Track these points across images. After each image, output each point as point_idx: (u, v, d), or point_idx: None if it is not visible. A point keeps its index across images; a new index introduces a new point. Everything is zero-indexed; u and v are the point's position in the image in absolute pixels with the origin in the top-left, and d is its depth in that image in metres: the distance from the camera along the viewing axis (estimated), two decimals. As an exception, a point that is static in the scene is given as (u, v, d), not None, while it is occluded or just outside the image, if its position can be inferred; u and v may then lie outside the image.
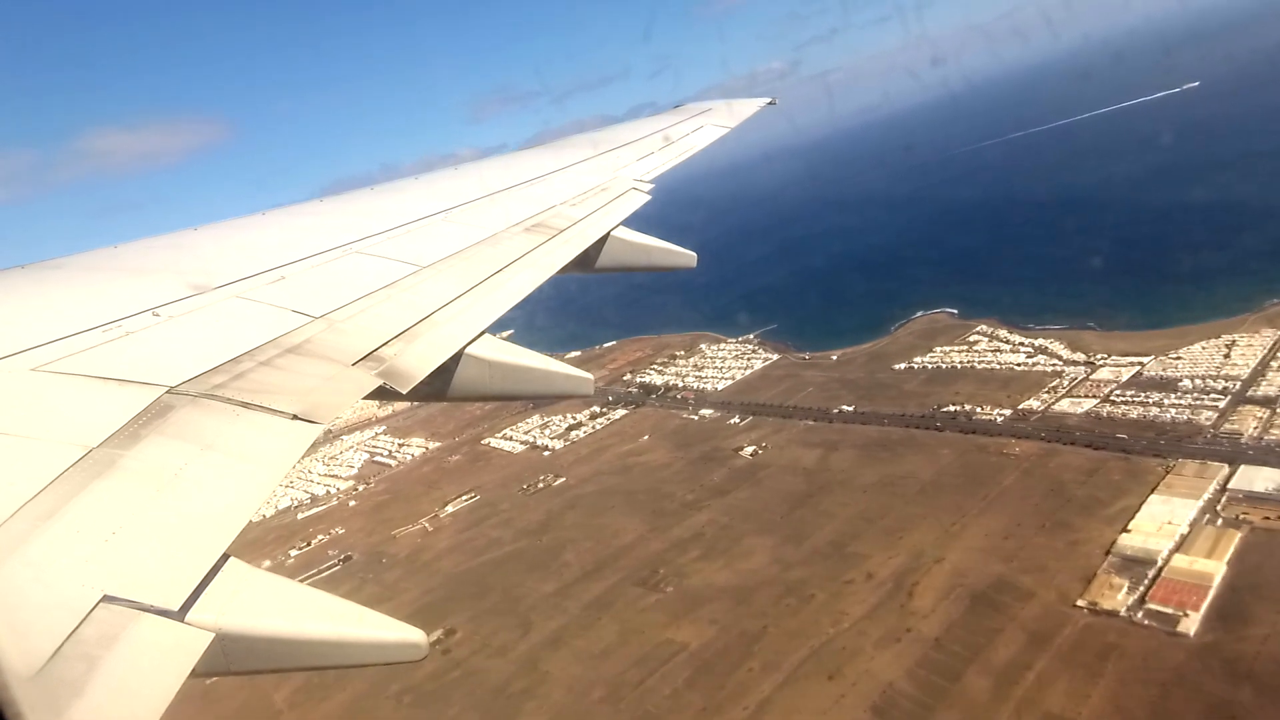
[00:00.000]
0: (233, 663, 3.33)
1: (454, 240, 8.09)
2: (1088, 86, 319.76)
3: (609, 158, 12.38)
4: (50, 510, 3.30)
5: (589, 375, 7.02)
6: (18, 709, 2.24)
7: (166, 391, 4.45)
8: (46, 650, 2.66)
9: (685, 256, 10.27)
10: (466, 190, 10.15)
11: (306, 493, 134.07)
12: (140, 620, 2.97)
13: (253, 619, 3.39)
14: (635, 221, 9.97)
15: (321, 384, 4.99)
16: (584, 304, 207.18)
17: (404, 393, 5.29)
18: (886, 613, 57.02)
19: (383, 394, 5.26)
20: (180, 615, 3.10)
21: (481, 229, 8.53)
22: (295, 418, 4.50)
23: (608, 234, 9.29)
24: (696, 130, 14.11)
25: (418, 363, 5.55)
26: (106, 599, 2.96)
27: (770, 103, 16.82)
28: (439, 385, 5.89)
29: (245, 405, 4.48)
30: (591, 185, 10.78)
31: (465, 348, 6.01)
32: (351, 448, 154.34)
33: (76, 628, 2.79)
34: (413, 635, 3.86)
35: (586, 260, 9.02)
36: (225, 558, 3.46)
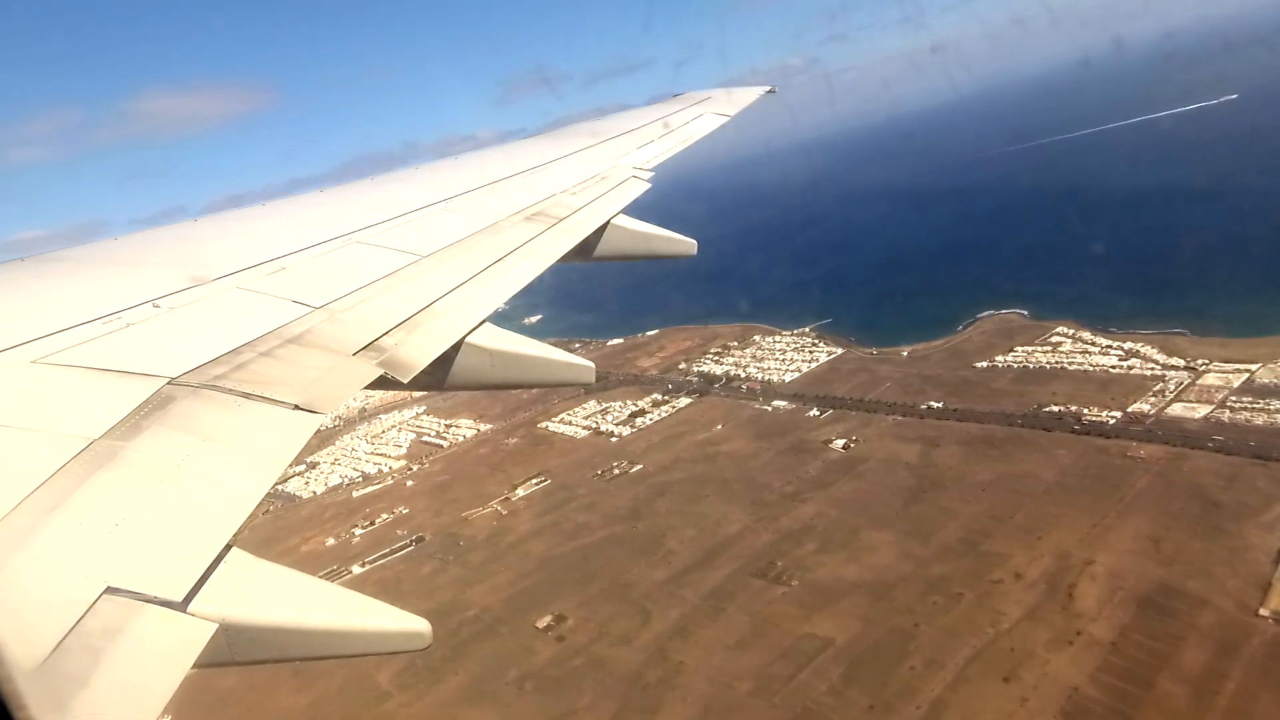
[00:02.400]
0: (237, 653, 3.29)
1: (454, 230, 8.06)
2: (1116, 94, 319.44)
3: (609, 146, 12.34)
4: (53, 503, 3.27)
5: (590, 364, 7.02)
6: (22, 701, 2.16)
7: (167, 383, 4.42)
8: (50, 642, 2.64)
9: (685, 244, 10.22)
10: (467, 179, 10.08)
11: (357, 470, 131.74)
12: (144, 612, 2.94)
13: (256, 609, 3.37)
14: (637, 210, 9.91)
15: (322, 374, 4.95)
16: (618, 288, 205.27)
17: (405, 382, 5.26)
18: (1049, 614, 55.47)
19: (384, 384, 5.25)
20: (184, 606, 3.06)
21: (482, 218, 8.53)
22: (296, 408, 4.46)
23: (608, 222, 9.24)
24: (697, 118, 14.02)
25: (418, 352, 5.54)
26: (110, 591, 2.93)
27: (769, 91, 16.87)
28: (440, 374, 5.89)
29: (246, 396, 4.47)
30: (591, 174, 10.73)
31: (466, 337, 5.99)
32: (395, 427, 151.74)
33: (80, 620, 2.77)
34: (417, 624, 3.82)
35: (586, 248, 8.99)
36: (228, 548, 3.42)
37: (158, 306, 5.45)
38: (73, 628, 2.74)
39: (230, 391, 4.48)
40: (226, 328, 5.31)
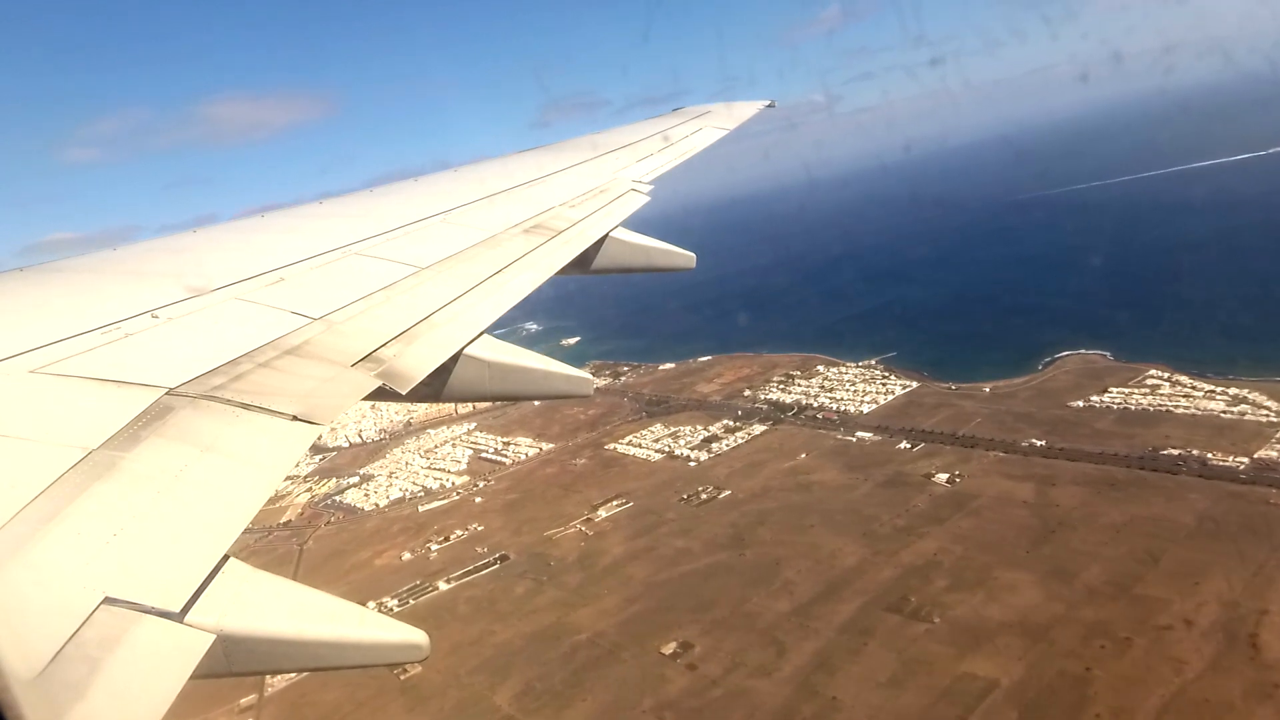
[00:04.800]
0: (234, 664, 3.31)
1: (453, 242, 8.07)
2: (1157, 142, 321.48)
3: (608, 159, 12.38)
4: (51, 512, 3.28)
5: (589, 376, 7.09)
6: (19, 711, 2.22)
7: (166, 393, 4.43)
8: (48, 652, 2.67)
9: (684, 257, 10.21)
10: (466, 192, 10.12)
11: (417, 485, 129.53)
12: (141, 622, 2.97)
13: (254, 620, 3.37)
14: (636, 222, 9.96)
15: (321, 385, 4.97)
16: (661, 313, 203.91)
17: (403, 393, 5.27)
18: (1235, 664, 52.97)
19: (382, 395, 5.27)
20: (181, 617, 3.09)
21: (481, 230, 8.52)
22: (295, 419, 4.47)
23: (607, 235, 9.28)
24: (696, 132, 14.05)
25: (417, 364, 5.55)
26: (108, 601, 2.96)
27: (769, 105, 16.88)
28: (437, 385, 5.92)
29: (245, 406, 4.47)
30: (591, 187, 10.79)
31: (464, 348, 6.01)
32: (448, 442, 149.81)
33: (78, 630, 2.79)
34: (414, 636, 3.83)
35: (584, 260, 8.98)
36: (226, 559, 3.44)
37: (156, 317, 5.43)
38: (70, 638, 2.73)
39: (229, 402, 4.47)
40: (225, 338, 5.29)
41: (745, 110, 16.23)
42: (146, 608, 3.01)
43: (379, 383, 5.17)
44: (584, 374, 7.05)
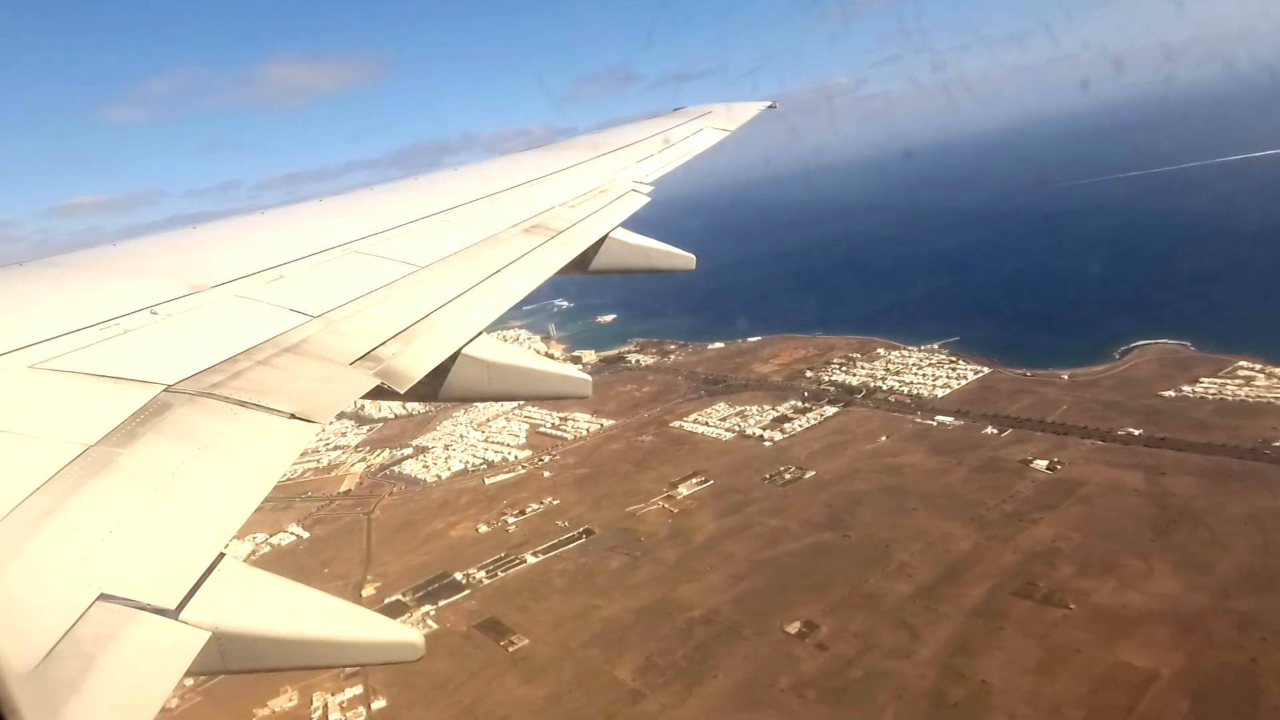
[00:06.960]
0: (229, 662, 3.28)
1: (453, 241, 8.09)
2: (1194, 134, 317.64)
3: (608, 159, 12.39)
4: (47, 508, 3.28)
5: (587, 377, 7.08)
6: (15, 707, 2.25)
7: (164, 390, 4.42)
8: (43, 648, 2.67)
9: (683, 259, 10.26)
10: (466, 191, 10.13)
11: (478, 458, 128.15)
12: (137, 619, 2.97)
13: (249, 618, 3.38)
14: (636, 223, 9.96)
15: (319, 384, 4.95)
16: (703, 292, 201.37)
17: (401, 393, 5.29)
18: None
19: (380, 394, 5.28)
20: (176, 614, 3.09)
21: (480, 230, 8.55)
22: (293, 417, 4.47)
23: (606, 235, 9.30)
24: (697, 133, 14.14)
25: (415, 363, 5.56)
26: (103, 597, 2.96)
27: (770, 106, 17.03)
28: (435, 385, 5.95)
29: (243, 404, 4.47)
30: (591, 187, 10.80)
31: (463, 348, 6.04)
32: (501, 415, 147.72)
33: (73, 626, 2.80)
34: (410, 636, 3.83)
35: (584, 261, 8.99)
36: (221, 556, 3.41)
37: (155, 313, 5.38)
38: (66, 634, 2.73)
39: (227, 399, 4.43)
40: (224, 335, 5.24)
41: (746, 111, 16.25)
42: (142, 604, 2.97)
43: (377, 381, 5.14)
44: (583, 375, 7.03)
